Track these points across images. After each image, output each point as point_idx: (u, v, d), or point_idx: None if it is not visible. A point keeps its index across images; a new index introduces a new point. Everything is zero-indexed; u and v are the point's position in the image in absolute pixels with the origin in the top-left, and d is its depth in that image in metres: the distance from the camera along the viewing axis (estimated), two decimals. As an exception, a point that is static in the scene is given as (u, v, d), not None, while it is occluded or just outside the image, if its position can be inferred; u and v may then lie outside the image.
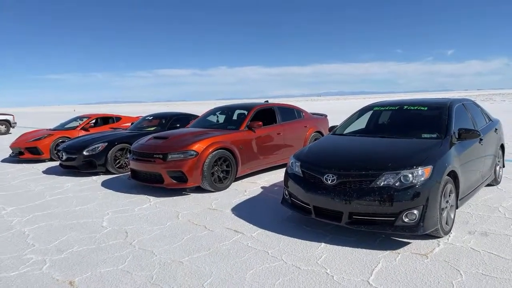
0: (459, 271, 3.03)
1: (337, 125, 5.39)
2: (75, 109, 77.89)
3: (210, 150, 5.80)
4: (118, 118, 11.40)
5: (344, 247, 3.59)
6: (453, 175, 3.83)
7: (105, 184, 6.75)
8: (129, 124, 10.33)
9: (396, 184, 3.47)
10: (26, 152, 9.41)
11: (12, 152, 9.82)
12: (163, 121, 8.91)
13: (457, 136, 4.16)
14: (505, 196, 5.01)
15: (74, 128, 10.22)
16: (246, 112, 7.07)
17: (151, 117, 9.35)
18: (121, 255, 3.61)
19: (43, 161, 9.45)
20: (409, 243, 3.61)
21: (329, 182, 3.74)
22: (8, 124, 19.11)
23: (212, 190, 5.84)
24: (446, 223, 3.70)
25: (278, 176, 6.80)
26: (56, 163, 8.89)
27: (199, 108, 45.44)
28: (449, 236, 3.74)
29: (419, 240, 3.64)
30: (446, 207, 3.70)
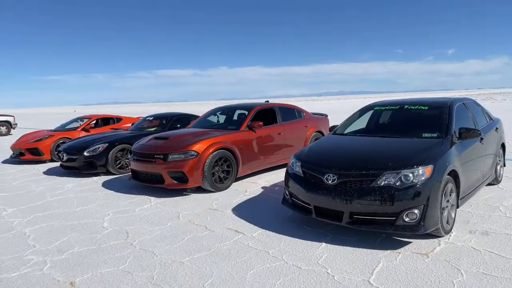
0: (460, 271, 3.03)
1: (337, 125, 5.39)
2: (75, 110, 77.97)
3: (211, 151, 5.80)
4: (118, 119, 11.41)
5: (345, 247, 3.58)
6: (454, 175, 3.83)
7: (105, 184, 6.75)
8: (130, 124, 10.34)
9: (397, 184, 3.47)
10: (27, 153, 9.42)
11: (13, 153, 9.83)
12: (164, 122, 8.92)
13: (457, 136, 4.15)
14: (506, 195, 5.00)
15: (74, 129, 10.23)
16: (246, 112, 7.07)
17: (152, 118, 9.36)
18: (121, 256, 3.61)
19: (44, 162, 9.46)
20: (410, 242, 3.61)
21: (329, 182, 3.74)
22: (9, 125, 19.13)
23: (213, 190, 5.85)
24: (447, 223, 3.69)
25: (278, 176, 6.79)
26: (57, 164, 8.89)
27: (199, 109, 45.47)
28: (450, 235, 3.74)
29: (420, 240, 3.64)
30: (446, 207, 3.70)
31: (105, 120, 11.30)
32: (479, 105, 5.61)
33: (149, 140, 6.40)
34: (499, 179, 5.58)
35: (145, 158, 5.97)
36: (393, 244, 3.60)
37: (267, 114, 7.45)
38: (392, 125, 5.12)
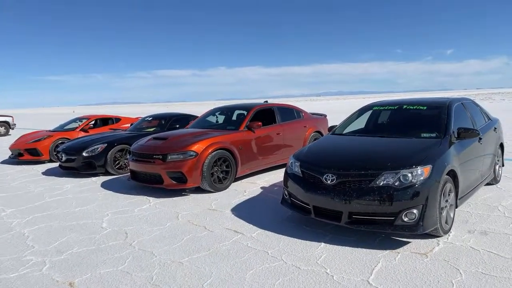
0: (458, 270, 3.03)
1: (336, 125, 5.40)
2: (74, 110, 77.88)
3: (210, 151, 5.80)
4: (117, 119, 11.40)
5: (344, 247, 3.59)
6: (453, 174, 3.84)
7: (104, 185, 6.75)
8: (129, 125, 10.33)
9: (396, 184, 3.48)
10: (25, 153, 9.41)
11: (12, 154, 9.81)
12: (163, 122, 8.92)
13: (456, 136, 4.16)
14: (504, 195, 5.01)
15: (73, 129, 10.21)
16: (245, 113, 7.07)
17: (151, 118, 9.35)
18: (121, 256, 3.61)
19: (43, 162, 9.44)
20: (408, 242, 3.62)
21: (328, 182, 3.74)
22: (8, 125, 19.10)
23: (212, 190, 5.84)
24: (445, 222, 3.70)
25: (277, 176, 6.80)
26: (56, 164, 8.88)
27: (198, 109, 45.45)
28: (449, 235, 3.75)
29: (419, 240, 3.64)
30: (445, 206, 3.70)
31: (104, 121, 11.29)
32: (477, 105, 5.62)
33: (148, 140, 6.39)
34: (498, 179, 5.59)
35: (144, 159, 5.96)
36: (392, 244, 3.61)
37: (266, 114, 7.45)
38: (391, 125, 5.13)
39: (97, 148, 7.47)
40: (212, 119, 7.88)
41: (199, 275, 3.16)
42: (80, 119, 11.08)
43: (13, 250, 3.89)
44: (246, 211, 4.86)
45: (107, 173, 7.55)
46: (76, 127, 10.28)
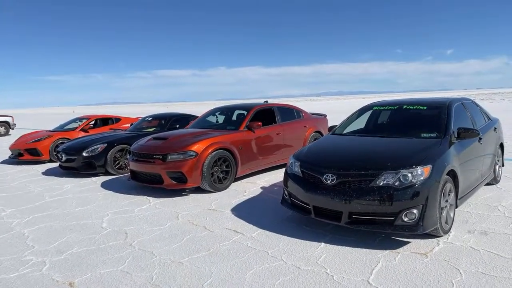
0: (458, 270, 3.03)
1: (336, 125, 5.40)
2: (74, 111, 77.89)
3: (210, 151, 5.80)
4: (117, 119, 11.40)
5: (344, 247, 3.59)
6: (453, 174, 3.84)
7: (104, 185, 6.75)
8: (129, 125, 10.33)
9: (396, 184, 3.48)
10: (25, 153, 9.41)
11: (12, 154, 9.81)
12: (163, 122, 8.92)
13: (456, 136, 4.16)
14: (504, 195, 5.01)
15: (73, 129, 10.21)
16: (245, 113, 7.07)
17: (151, 118, 9.35)
18: (121, 256, 3.61)
19: (43, 162, 9.44)
20: (408, 242, 3.62)
21: (328, 182, 3.74)
22: (7, 125, 19.10)
23: (212, 190, 5.84)
24: (445, 222, 3.70)
25: (277, 176, 6.80)
26: (56, 165, 8.88)
27: (198, 109, 45.45)
28: (449, 235, 3.75)
29: (419, 240, 3.64)
30: (445, 206, 3.70)
31: (104, 121, 11.29)
32: (477, 105, 5.62)
33: (148, 140, 6.39)
34: (498, 179, 5.59)
35: (144, 159, 5.96)
36: (392, 244, 3.61)
37: (266, 114, 7.45)
38: (391, 125, 5.13)
39: (97, 148, 7.47)
40: (212, 119, 7.88)
41: (199, 275, 3.16)
42: (80, 119, 11.08)
43: (13, 250, 3.89)
44: (246, 211, 4.86)
45: (107, 173, 7.55)
46: (76, 127, 10.28)
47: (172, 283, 3.04)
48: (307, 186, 3.91)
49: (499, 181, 5.63)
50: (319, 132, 8.17)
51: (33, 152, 9.36)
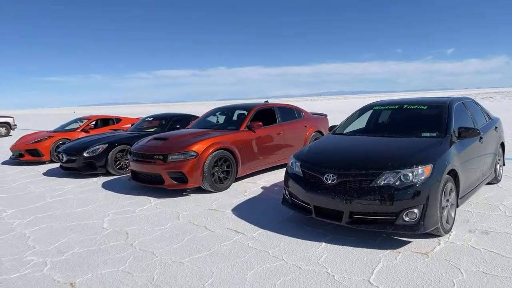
0: (460, 270, 3.03)
1: (337, 125, 5.39)
2: (75, 111, 77.97)
3: (210, 151, 5.80)
4: (118, 120, 11.41)
5: (344, 247, 3.59)
6: (453, 174, 3.83)
7: (105, 185, 6.75)
8: (129, 125, 10.34)
9: (397, 183, 3.47)
10: (26, 154, 9.42)
11: (13, 154, 9.82)
12: (163, 122, 8.92)
13: (457, 135, 4.16)
14: (505, 194, 5.01)
15: (74, 130, 10.22)
16: (246, 113, 7.07)
17: (151, 118, 9.36)
18: (121, 256, 3.61)
19: (44, 163, 9.45)
20: (409, 242, 3.61)
21: (329, 181, 3.74)
22: (8, 126, 19.13)
23: (213, 190, 5.85)
24: (446, 222, 3.70)
25: (278, 176, 6.80)
26: (57, 165, 8.89)
27: (198, 109, 45.45)
28: (450, 234, 3.74)
29: (420, 239, 3.64)
30: (446, 206, 3.70)
31: (105, 121, 11.30)
32: (478, 105, 5.62)
33: (149, 140, 6.40)
34: (499, 178, 5.58)
35: (144, 159, 5.97)
36: (393, 243, 3.60)
37: (267, 114, 7.45)
38: (391, 125, 5.13)
39: (98, 149, 7.47)
40: (213, 119, 7.89)
41: (200, 275, 3.16)
42: (81, 119, 11.09)
43: (14, 250, 3.89)
44: (247, 211, 4.86)
45: (108, 173, 7.56)
46: (77, 128, 10.29)
47: (173, 283, 3.04)
48: (308, 186, 3.91)
49: (500, 180, 5.63)
50: (319, 132, 8.16)
51: (34, 152, 9.37)
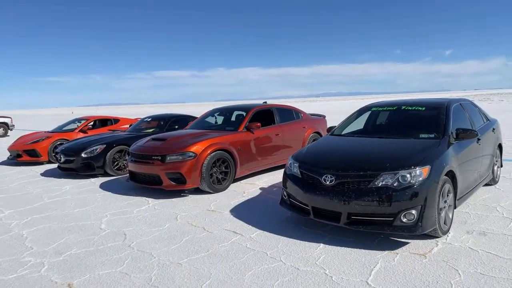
0: (457, 271, 3.04)
1: (335, 126, 5.40)
2: (73, 111, 77.84)
3: (209, 152, 5.79)
4: (116, 120, 11.39)
5: (342, 248, 3.59)
6: (451, 175, 3.84)
7: (103, 186, 6.74)
8: (128, 126, 10.33)
9: (394, 184, 3.48)
10: (24, 154, 9.39)
11: (10, 155, 9.80)
12: (162, 123, 8.91)
13: (455, 136, 4.17)
14: (503, 196, 5.02)
15: (72, 130, 10.20)
16: (244, 113, 7.07)
17: (150, 119, 9.35)
18: (119, 257, 3.61)
19: (41, 163, 9.43)
20: (407, 243, 3.62)
21: (327, 182, 3.74)
22: (6, 126, 19.08)
23: (211, 191, 5.84)
24: (444, 223, 3.70)
25: (276, 177, 6.80)
26: (55, 166, 8.86)
27: (197, 110, 45.43)
28: (448, 236, 3.75)
29: (418, 240, 3.65)
30: (444, 207, 3.71)
31: (103, 122, 11.28)
32: (476, 106, 5.63)
33: (147, 141, 6.39)
34: (496, 179, 5.60)
35: (143, 160, 5.96)
36: (391, 244, 3.61)
37: (265, 115, 7.45)
38: (389, 126, 5.13)
39: (96, 149, 7.46)
40: (211, 120, 7.88)
41: (198, 276, 3.16)
42: (79, 120, 11.08)
43: (12, 251, 3.88)
44: (245, 212, 4.86)
45: (106, 174, 7.54)
46: (75, 128, 10.27)
47: (171, 284, 3.03)
48: (306, 187, 3.91)
49: (497, 181, 5.64)
50: (318, 133, 8.17)
51: (32, 153, 9.35)
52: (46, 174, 8.12)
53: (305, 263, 3.30)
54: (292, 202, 4.20)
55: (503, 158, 6.18)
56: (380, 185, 3.51)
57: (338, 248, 3.59)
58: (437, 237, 3.67)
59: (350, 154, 4.15)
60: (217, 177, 5.94)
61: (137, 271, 3.31)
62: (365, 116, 5.50)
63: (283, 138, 7.30)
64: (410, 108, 4.96)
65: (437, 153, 3.78)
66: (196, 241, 3.94)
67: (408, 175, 3.48)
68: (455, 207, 3.98)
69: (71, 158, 7.52)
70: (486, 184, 5.42)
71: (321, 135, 8.05)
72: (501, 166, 5.95)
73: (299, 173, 4.11)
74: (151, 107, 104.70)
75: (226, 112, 7.89)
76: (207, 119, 7.81)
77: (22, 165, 9.38)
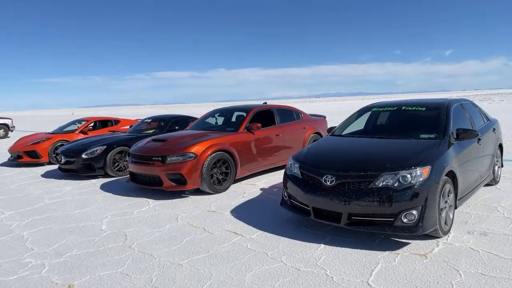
0: (458, 271, 3.03)
1: (335, 126, 5.40)
2: (73, 113, 77.91)
3: (209, 152, 5.79)
4: (116, 121, 11.40)
5: (343, 248, 3.59)
6: (452, 175, 3.84)
7: (104, 187, 6.74)
8: (128, 127, 10.33)
9: (395, 185, 3.48)
10: (24, 155, 9.39)
11: (11, 156, 9.80)
12: (162, 124, 8.91)
13: (455, 136, 4.17)
14: (503, 196, 5.02)
15: (72, 131, 10.21)
16: (244, 114, 7.07)
17: (150, 120, 9.35)
18: (120, 258, 3.61)
19: (42, 164, 9.43)
20: (408, 243, 3.62)
21: (328, 183, 3.74)
22: (7, 128, 19.09)
23: (211, 192, 5.84)
24: (445, 223, 3.70)
25: (277, 177, 6.80)
26: (55, 167, 8.87)
27: (197, 110, 45.44)
28: (448, 236, 3.75)
29: (418, 241, 3.64)
30: (445, 207, 3.70)
31: (103, 123, 11.29)
32: (476, 106, 5.63)
33: (147, 142, 6.39)
34: (497, 179, 5.60)
35: (143, 160, 5.96)
36: (391, 245, 3.61)
37: (265, 116, 7.45)
38: (390, 126, 5.13)
39: (97, 150, 7.46)
40: (212, 120, 7.89)
41: (198, 277, 3.16)
42: (79, 121, 11.08)
43: (12, 252, 3.88)
44: (245, 212, 4.86)
45: (106, 175, 7.55)
46: (75, 129, 10.28)
47: (172, 285, 3.03)
48: (307, 187, 3.91)
49: (498, 181, 5.64)
50: (318, 133, 8.17)
51: (32, 154, 9.35)
52: (46, 175, 8.13)
53: (305, 264, 3.30)
54: (293, 202, 4.20)
55: (503, 158, 6.18)
56: (380, 185, 3.51)
57: (339, 248, 3.59)
58: (438, 238, 3.67)
59: (351, 155, 4.15)
60: (217, 178, 5.94)
61: (137, 272, 3.30)
62: (366, 116, 5.50)
63: (284, 139, 7.30)
64: (411, 109, 4.96)
65: (438, 154, 3.77)
66: (196, 242, 3.94)
67: (408, 176, 3.48)
68: (455, 208, 3.98)
69: (72, 159, 7.53)
70: (487, 184, 5.41)
71: (321, 136, 8.05)
72: (502, 166, 5.95)
73: (299, 173, 4.11)
74: (151, 108, 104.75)
75: (226, 112, 7.89)
76: (207, 120, 7.82)
77: (23, 166, 9.39)
